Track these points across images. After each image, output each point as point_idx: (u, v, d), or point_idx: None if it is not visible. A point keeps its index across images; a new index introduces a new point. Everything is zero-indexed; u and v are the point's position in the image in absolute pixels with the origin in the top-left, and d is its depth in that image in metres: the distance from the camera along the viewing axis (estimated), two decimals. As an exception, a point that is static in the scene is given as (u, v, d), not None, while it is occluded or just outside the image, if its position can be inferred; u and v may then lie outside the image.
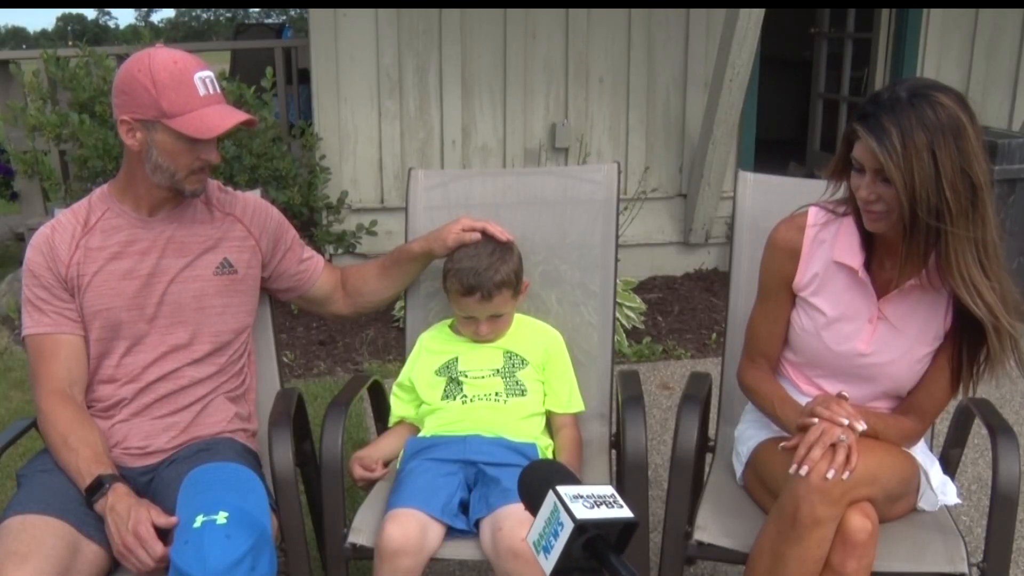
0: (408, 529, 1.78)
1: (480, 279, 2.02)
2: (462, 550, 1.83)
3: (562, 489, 0.99)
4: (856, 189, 1.72)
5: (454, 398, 2.05)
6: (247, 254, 2.01)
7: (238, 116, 1.85)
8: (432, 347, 2.16)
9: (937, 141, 1.59)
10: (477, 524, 1.83)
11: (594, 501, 0.98)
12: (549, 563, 0.97)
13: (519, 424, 2.03)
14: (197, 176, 1.88)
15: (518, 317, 2.18)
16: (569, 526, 0.95)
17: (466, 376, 2.07)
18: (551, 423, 2.14)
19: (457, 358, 2.10)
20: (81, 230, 1.91)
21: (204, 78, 1.82)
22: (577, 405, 2.15)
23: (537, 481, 1.06)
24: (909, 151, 1.60)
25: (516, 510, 1.74)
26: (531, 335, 2.16)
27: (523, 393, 2.06)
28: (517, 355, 2.10)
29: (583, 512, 0.96)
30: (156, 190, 1.90)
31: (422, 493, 1.85)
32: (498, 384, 2.06)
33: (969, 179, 1.62)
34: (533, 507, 1.03)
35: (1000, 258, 1.70)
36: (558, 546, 0.96)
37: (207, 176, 1.93)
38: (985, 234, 1.66)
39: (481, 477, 1.91)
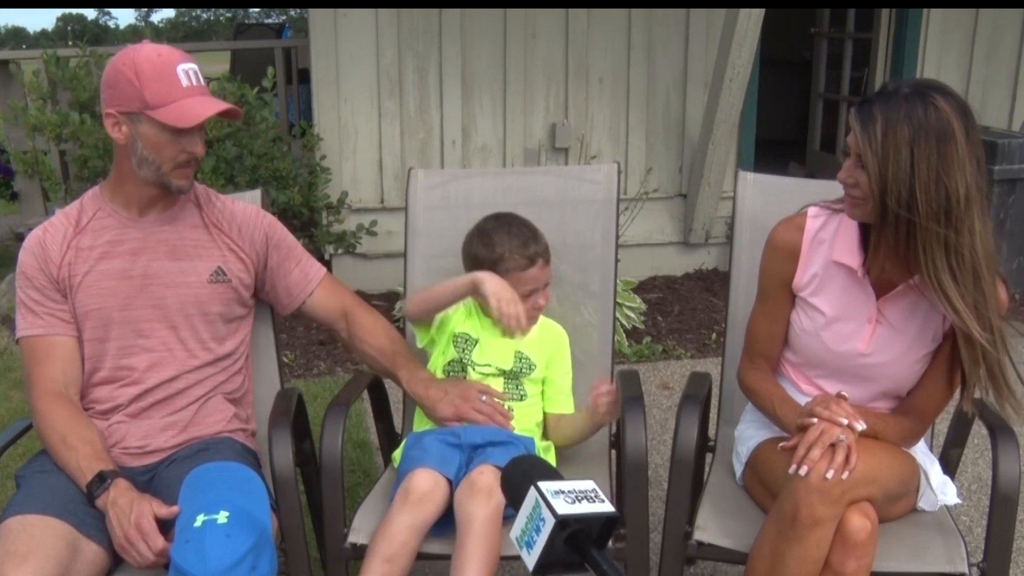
0: (436, 479, 1.85)
1: (539, 245, 2.07)
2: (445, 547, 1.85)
3: (543, 485, 0.99)
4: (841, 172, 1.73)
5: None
6: (236, 264, 2.00)
7: (219, 105, 1.84)
8: (459, 317, 2.12)
9: (919, 140, 1.58)
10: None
11: (575, 496, 0.98)
12: (532, 558, 0.98)
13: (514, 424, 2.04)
14: (183, 170, 1.87)
15: None
16: (551, 522, 0.95)
17: (475, 367, 2.07)
18: (546, 421, 2.15)
19: (478, 341, 2.09)
20: (73, 231, 1.91)
21: (187, 70, 1.82)
22: (569, 408, 2.17)
23: (519, 477, 1.06)
24: (889, 142, 1.60)
25: (486, 467, 1.83)
26: (541, 333, 2.16)
27: (522, 398, 2.08)
28: (527, 357, 2.10)
29: (564, 507, 0.96)
30: (145, 187, 1.89)
31: (436, 459, 1.89)
32: (499, 384, 2.07)
33: (944, 188, 1.59)
34: (515, 502, 1.03)
35: (983, 274, 1.64)
36: (540, 541, 0.96)
37: (193, 172, 1.92)
38: (959, 242, 1.62)
39: (478, 454, 1.93)
